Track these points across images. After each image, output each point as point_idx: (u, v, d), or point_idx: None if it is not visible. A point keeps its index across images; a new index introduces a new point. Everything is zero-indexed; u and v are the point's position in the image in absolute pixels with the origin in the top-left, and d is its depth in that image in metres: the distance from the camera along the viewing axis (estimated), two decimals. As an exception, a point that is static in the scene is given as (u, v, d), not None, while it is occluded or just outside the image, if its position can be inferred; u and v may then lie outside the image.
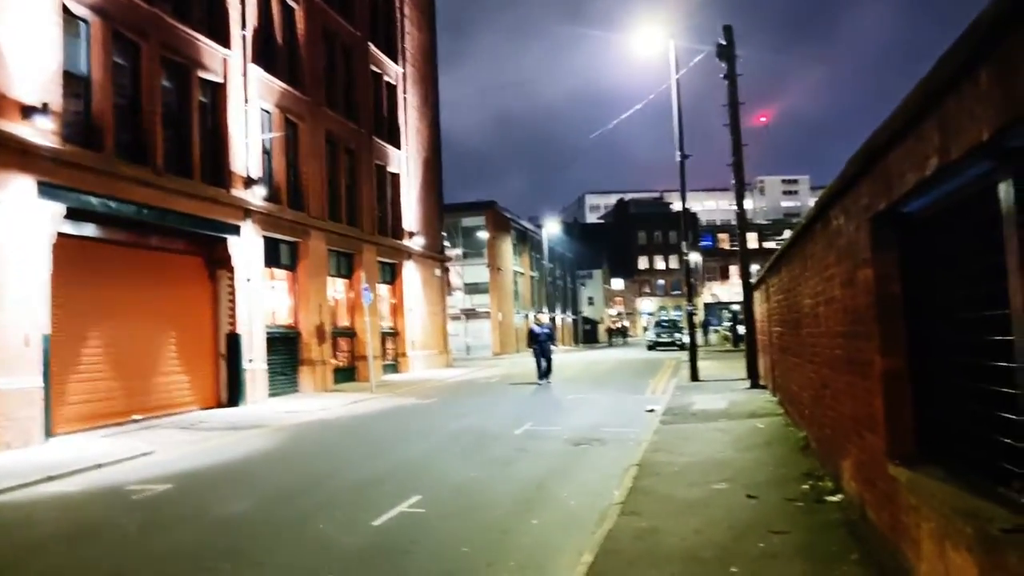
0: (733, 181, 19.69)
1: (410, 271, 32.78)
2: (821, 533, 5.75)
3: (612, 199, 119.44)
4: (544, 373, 22.92)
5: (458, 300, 51.13)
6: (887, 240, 4.78)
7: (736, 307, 49.21)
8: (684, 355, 25.08)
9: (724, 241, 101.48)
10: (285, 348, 22.34)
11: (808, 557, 5.22)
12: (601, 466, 9.14)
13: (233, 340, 19.47)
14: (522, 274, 58.63)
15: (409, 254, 32.71)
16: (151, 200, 16.46)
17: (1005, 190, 3.10)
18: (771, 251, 15.89)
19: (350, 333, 27.14)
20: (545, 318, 30.20)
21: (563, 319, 70.41)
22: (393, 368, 30.58)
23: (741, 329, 30.64)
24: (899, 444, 4.73)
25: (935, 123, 3.41)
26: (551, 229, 61.07)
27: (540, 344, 23.06)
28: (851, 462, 6.23)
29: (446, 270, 40.15)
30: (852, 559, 5.11)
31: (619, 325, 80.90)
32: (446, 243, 42.16)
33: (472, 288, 51.86)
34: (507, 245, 54.34)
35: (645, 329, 74.47)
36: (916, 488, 4.25)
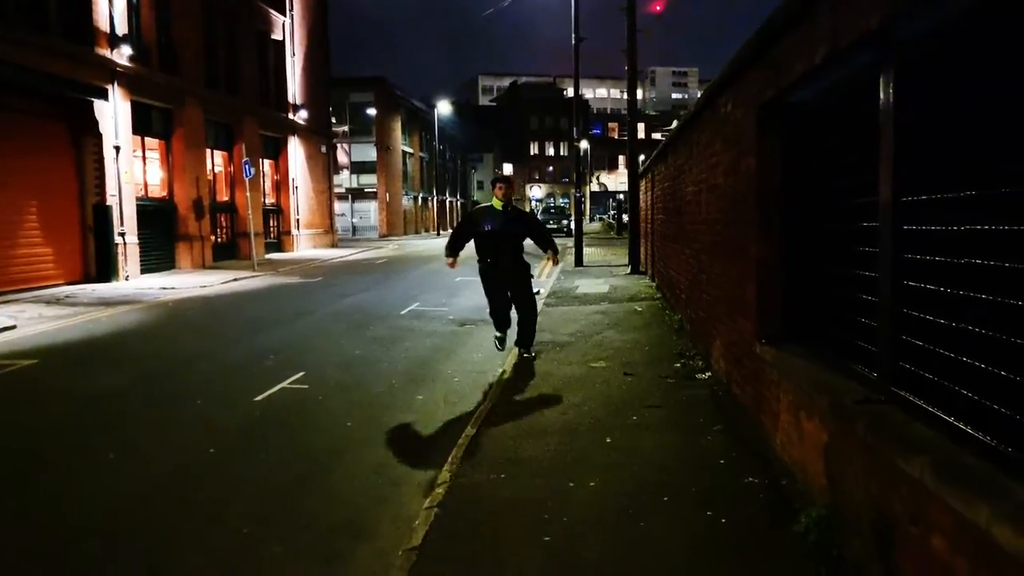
0: (626, 68, 19.63)
1: (295, 146, 31.51)
2: (690, 407, 6.11)
3: (505, 82, 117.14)
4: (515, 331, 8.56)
5: (345, 179, 49.80)
6: (773, 129, 4.89)
7: (622, 196, 50.24)
8: (570, 241, 25.53)
9: (614, 130, 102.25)
10: (160, 222, 21.27)
11: (677, 428, 5.55)
12: (487, 346, 9.32)
13: (101, 212, 18.33)
14: (412, 155, 57.44)
15: (294, 128, 31.34)
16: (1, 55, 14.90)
17: (886, 82, 3.19)
18: (659, 142, 16.10)
19: (231, 209, 26.08)
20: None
21: (452, 202, 69.99)
22: (276, 247, 29.79)
23: (625, 218, 31.38)
24: (767, 326, 5.01)
25: (827, 7, 3.44)
26: (443, 109, 59.60)
27: (496, 255, 8.13)
28: (721, 342, 6.59)
29: (333, 147, 38.86)
30: (716, 430, 5.47)
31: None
32: (333, 119, 40.60)
33: (359, 167, 50.52)
34: (397, 124, 52.86)
35: (531, 212, 75.15)
36: (779, 365, 4.54)
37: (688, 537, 3.76)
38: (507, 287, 8.13)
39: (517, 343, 8.38)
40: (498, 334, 8.40)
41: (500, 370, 7.84)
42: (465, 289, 15.39)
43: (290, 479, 4.99)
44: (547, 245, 8.43)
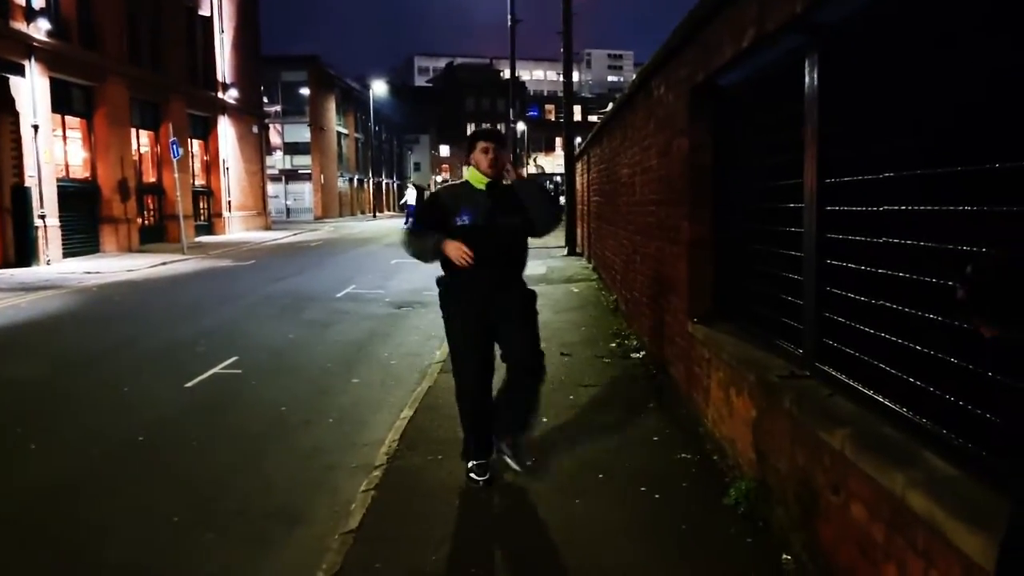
0: (562, 50, 19.67)
1: (225, 126, 30.67)
2: (625, 386, 6.21)
3: (441, 62, 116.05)
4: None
5: (278, 160, 48.75)
6: (703, 111, 4.97)
7: (559, 178, 50.46)
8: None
9: (551, 112, 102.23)
10: (83, 204, 20.50)
11: (613, 407, 5.64)
12: (423, 328, 9.28)
13: (19, 193, 17.55)
14: (347, 135, 56.54)
15: (223, 108, 30.49)
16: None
17: (810, 65, 3.27)
18: (595, 124, 16.22)
19: (158, 190, 25.29)
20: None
21: (388, 184, 69.22)
22: (207, 229, 29.01)
23: (562, 200, 31.53)
24: (699, 304, 5.12)
25: (755, -7, 3.50)
26: (378, 90, 58.78)
27: (477, 269, 4.52)
28: (655, 322, 6.70)
29: (265, 127, 37.95)
30: (650, 407, 5.58)
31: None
32: (265, 99, 39.63)
33: (293, 148, 49.49)
34: (331, 104, 51.91)
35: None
36: (710, 342, 4.65)
37: (624, 513, 3.84)
38: (489, 332, 4.31)
39: (500, 430, 4.40)
40: (475, 461, 4.30)
41: (437, 352, 7.83)
42: (401, 271, 15.29)
43: (222, 465, 4.90)
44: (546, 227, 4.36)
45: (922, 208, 2.48)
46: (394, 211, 65.38)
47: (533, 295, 4.44)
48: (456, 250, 4.02)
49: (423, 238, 4.26)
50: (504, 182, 4.26)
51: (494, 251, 4.17)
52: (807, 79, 3.29)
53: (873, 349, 2.83)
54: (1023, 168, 1.94)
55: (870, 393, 2.85)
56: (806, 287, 3.41)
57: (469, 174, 4.33)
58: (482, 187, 4.26)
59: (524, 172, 4.88)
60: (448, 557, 3.43)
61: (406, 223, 29.85)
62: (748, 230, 4.44)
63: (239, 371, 7.40)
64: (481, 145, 4.25)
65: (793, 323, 3.65)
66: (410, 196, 30.22)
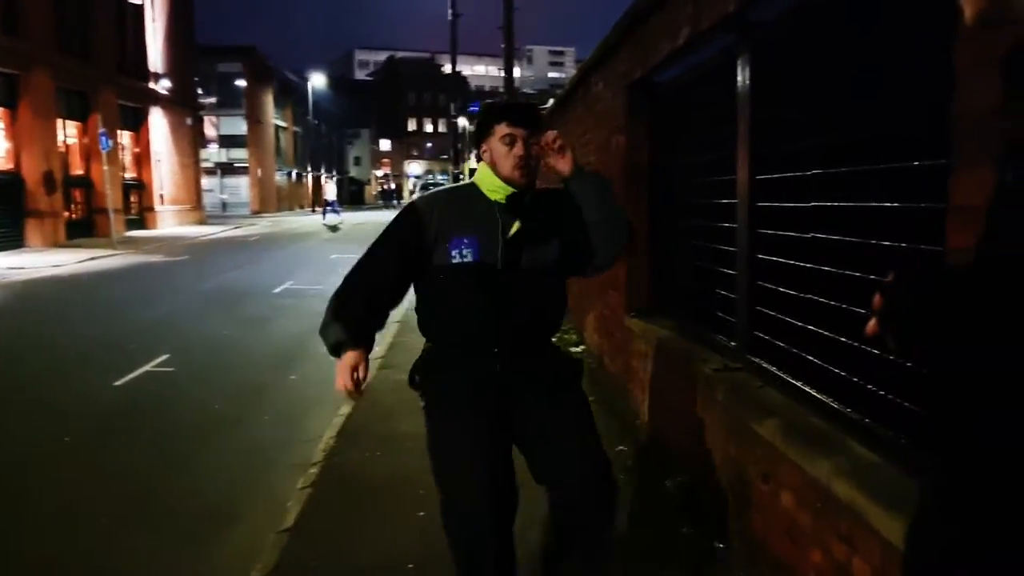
0: (503, 45, 19.69)
1: (157, 118, 29.81)
2: (564, 380, 6.24)
3: (382, 56, 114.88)
4: None
5: (213, 153, 47.60)
6: (641, 108, 5.04)
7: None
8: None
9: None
10: (6, 197, 19.69)
11: (551, 402, 5.67)
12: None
13: (-64, 185, 16.79)
14: (285, 129, 55.54)
15: (156, 98, 29.63)
16: None
17: (743, 64, 3.34)
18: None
19: (87, 183, 24.44)
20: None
21: (328, 179, 68.29)
22: (138, 224, 28.14)
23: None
24: (636, 299, 5.19)
25: (690, -9, 3.56)
26: (318, 83, 57.86)
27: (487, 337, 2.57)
28: (594, 317, 6.77)
29: (200, 119, 37.03)
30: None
31: (387, 187, 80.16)
32: (200, 90, 38.65)
33: (229, 141, 48.35)
34: (269, 97, 50.91)
35: (412, 192, 74.55)
36: (647, 336, 4.72)
37: (560, 505, 3.86)
38: (506, 434, 2.52)
39: None
40: None
41: (377, 347, 7.75)
42: (340, 266, 15.06)
43: (153, 466, 4.77)
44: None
45: (848, 204, 2.56)
46: (334, 206, 64.55)
47: (577, 368, 2.73)
48: (344, 377, 2.46)
49: (351, 310, 2.54)
50: (532, 198, 2.50)
51: (512, 309, 2.43)
52: (740, 77, 3.36)
53: (802, 341, 2.91)
54: (942, 166, 2.01)
55: (799, 384, 2.93)
56: (739, 281, 3.49)
57: (480, 176, 2.53)
58: (500, 199, 2.46)
59: (569, 157, 2.45)
60: (386, 553, 3.41)
61: (324, 218, 29.45)
62: (685, 226, 4.51)
63: (172, 369, 7.22)
64: (503, 130, 2.44)
65: (728, 317, 3.72)
66: (329, 191, 29.80)
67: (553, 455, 2.48)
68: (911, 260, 2.11)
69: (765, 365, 3.24)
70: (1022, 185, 0.85)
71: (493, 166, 2.49)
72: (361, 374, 2.48)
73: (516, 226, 2.45)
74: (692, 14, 3.54)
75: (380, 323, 2.60)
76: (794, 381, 2.97)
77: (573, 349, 7.28)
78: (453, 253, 2.42)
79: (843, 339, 2.58)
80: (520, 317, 2.46)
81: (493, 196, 2.48)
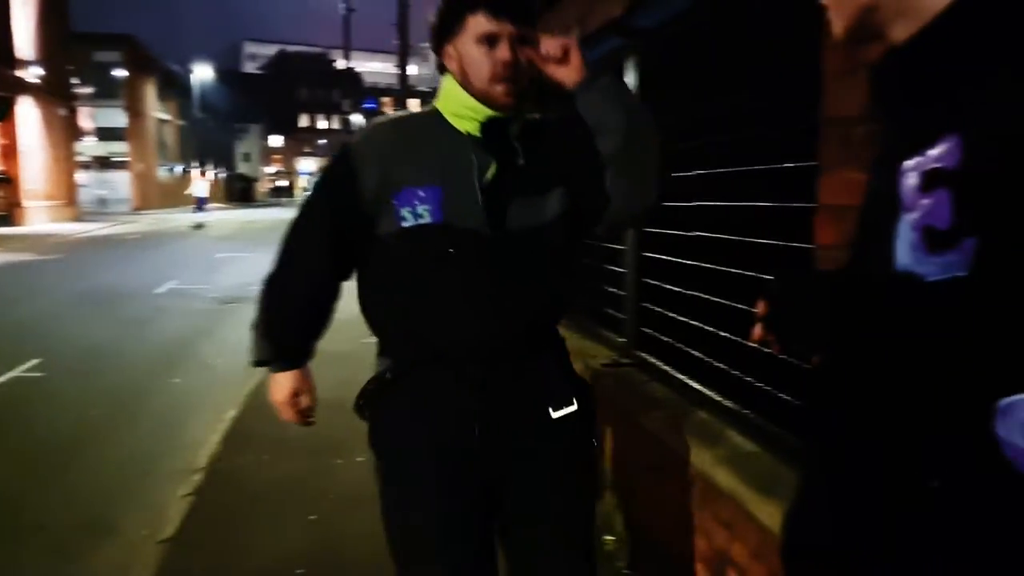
0: (395, 41, 19.53)
1: (27, 108, 27.97)
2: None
3: (272, 49, 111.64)
4: None
5: (90, 147, 45.09)
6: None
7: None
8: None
9: (388, 105, 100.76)
10: None
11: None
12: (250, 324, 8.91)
13: None
14: (168, 122, 53.21)
15: (25, 87, 27.79)
16: None
17: (632, 67, 3.42)
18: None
19: (-55, 176, 22.70)
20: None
21: (215, 175, 65.87)
22: (5, 220, 26.30)
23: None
24: (529, 297, 5.23)
25: (579, -6, 3.62)
26: (204, 75, 55.76)
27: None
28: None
29: (74, 111, 35.00)
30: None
31: (279, 184, 78.07)
32: (75, 80, 36.54)
33: (107, 134, 45.86)
34: (150, 88, 48.66)
35: (304, 189, 72.91)
36: (539, 335, 4.76)
37: (454, 504, 3.85)
38: (486, 499, 1.82)
39: None
40: None
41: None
42: (227, 265, 14.63)
43: (21, 478, 4.46)
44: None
45: (728, 204, 2.66)
46: (221, 202, 62.34)
47: (588, 405, 1.97)
48: (284, 412, 2.10)
49: (263, 336, 2.02)
50: (530, 116, 1.78)
51: (497, 299, 1.71)
52: (628, 80, 3.44)
53: (686, 337, 3.01)
54: (813, 167, 2.12)
55: (684, 378, 3.02)
56: (628, 279, 3.57)
57: (444, 96, 1.78)
58: (473, 129, 1.72)
59: (577, 60, 1.65)
60: (274, 558, 3.32)
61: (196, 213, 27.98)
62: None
63: (43, 374, 6.79)
64: (480, 25, 1.66)
65: (618, 314, 3.81)
66: (198, 187, 28.16)
67: (532, 567, 1.85)
68: (791, 266, 2.21)
69: (652, 360, 3.34)
70: (884, 191, 0.90)
71: (465, 77, 1.70)
72: (304, 402, 2.03)
73: (493, 168, 1.68)
74: (579, 16, 3.60)
75: (319, 327, 2.00)
76: (679, 375, 3.06)
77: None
78: (403, 212, 1.67)
79: (724, 334, 2.68)
80: (510, 312, 1.70)
81: (462, 125, 1.71)
